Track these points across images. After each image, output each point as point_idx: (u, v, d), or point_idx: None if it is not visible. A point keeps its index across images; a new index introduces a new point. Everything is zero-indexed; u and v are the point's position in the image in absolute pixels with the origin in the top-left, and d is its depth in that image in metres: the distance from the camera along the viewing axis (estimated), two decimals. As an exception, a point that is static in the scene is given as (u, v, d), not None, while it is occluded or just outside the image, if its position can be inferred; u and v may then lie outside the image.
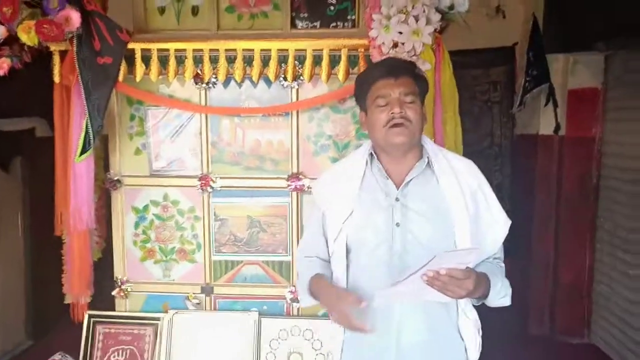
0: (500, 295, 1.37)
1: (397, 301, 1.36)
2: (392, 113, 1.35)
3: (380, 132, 1.38)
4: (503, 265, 1.46)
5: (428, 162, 1.42)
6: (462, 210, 1.37)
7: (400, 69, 1.39)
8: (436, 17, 1.72)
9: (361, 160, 1.47)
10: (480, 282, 1.28)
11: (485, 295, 1.35)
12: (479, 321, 1.44)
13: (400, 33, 1.69)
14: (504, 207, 1.46)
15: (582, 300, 3.32)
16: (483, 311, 1.44)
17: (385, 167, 1.43)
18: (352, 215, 1.42)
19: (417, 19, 1.69)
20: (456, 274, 1.20)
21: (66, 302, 2.17)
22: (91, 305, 2.18)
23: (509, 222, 1.45)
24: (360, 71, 1.91)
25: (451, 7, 1.78)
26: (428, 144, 1.46)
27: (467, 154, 1.70)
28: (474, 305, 1.44)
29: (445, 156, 1.45)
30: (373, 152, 1.45)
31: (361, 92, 1.44)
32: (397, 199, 1.38)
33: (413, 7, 1.68)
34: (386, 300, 1.34)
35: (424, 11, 1.69)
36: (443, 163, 1.42)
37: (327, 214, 1.49)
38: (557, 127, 3.26)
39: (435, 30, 1.75)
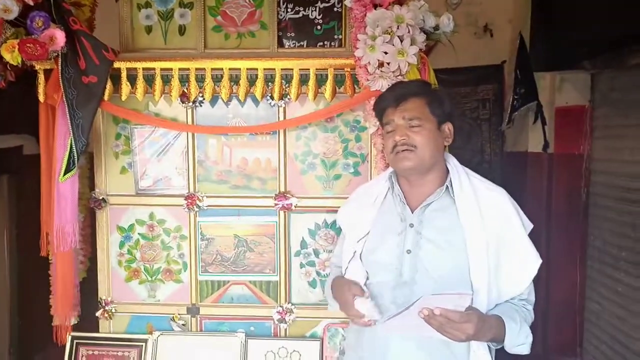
0: (518, 342, 1.26)
1: (402, 332, 1.31)
2: (394, 140, 1.35)
3: (389, 158, 1.39)
4: (530, 308, 1.35)
5: (449, 190, 1.36)
6: (480, 245, 1.29)
7: (406, 94, 1.36)
8: (421, 37, 1.73)
9: (384, 182, 1.45)
10: (487, 326, 1.20)
11: (501, 340, 1.25)
12: None
13: (386, 53, 1.70)
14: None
15: (574, 318, 3.30)
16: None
17: (405, 191, 1.40)
18: (367, 236, 1.40)
19: (401, 39, 1.69)
20: (452, 317, 1.13)
21: (54, 324, 2.12)
22: (77, 327, 2.13)
23: (538, 261, 1.34)
24: (347, 90, 1.93)
25: (436, 28, 1.80)
26: (455, 168, 1.40)
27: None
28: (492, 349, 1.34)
29: (473, 184, 1.36)
30: (393, 175, 1.44)
31: (377, 116, 1.47)
32: (411, 225, 1.34)
33: (398, 28, 1.69)
34: (390, 331, 1.30)
35: (408, 31, 1.70)
36: (467, 191, 1.34)
37: (346, 233, 1.50)
38: (546, 145, 3.28)
39: (420, 50, 1.75)
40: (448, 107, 1.40)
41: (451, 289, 1.23)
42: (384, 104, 1.41)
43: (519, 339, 1.26)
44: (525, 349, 1.28)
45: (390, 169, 1.47)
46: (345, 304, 1.34)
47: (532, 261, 1.34)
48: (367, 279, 1.40)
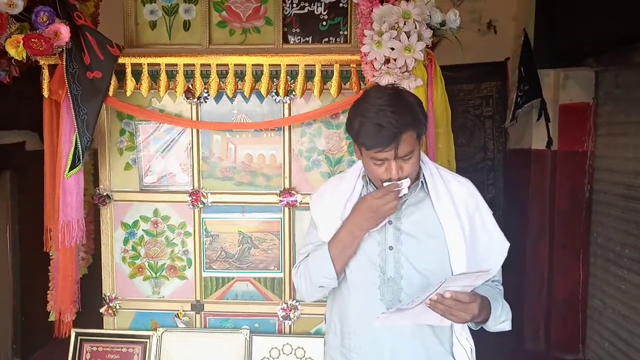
0: (501, 319, 1.32)
1: (396, 323, 1.31)
2: (389, 177, 1.28)
3: (376, 182, 1.34)
4: (502, 288, 1.42)
5: (423, 185, 1.38)
6: (457, 234, 1.33)
7: (397, 134, 1.22)
8: (428, 33, 1.73)
9: (356, 179, 1.42)
10: (483, 306, 1.25)
11: (485, 320, 1.30)
12: (474, 349, 1.39)
13: (392, 49, 1.69)
14: (497, 221, 1.42)
15: (577, 315, 3.30)
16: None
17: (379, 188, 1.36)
18: None
19: (408, 35, 1.69)
20: (462, 298, 1.17)
21: (50, 319, 2.12)
22: (81, 323, 2.13)
23: (507, 245, 1.40)
24: (353, 87, 1.91)
25: (443, 24, 1.79)
26: (426, 163, 1.41)
27: (460, 168, 1.67)
28: (472, 330, 1.38)
29: (443, 177, 1.40)
30: (367, 175, 1.40)
31: (352, 137, 1.33)
32: (389, 222, 1.35)
33: (404, 24, 1.68)
34: (386, 323, 1.29)
35: (415, 27, 1.69)
36: (439, 185, 1.37)
37: (318, 228, 1.46)
38: (550, 142, 3.27)
39: (427, 46, 1.75)
40: (424, 121, 1.33)
41: (437, 280, 1.23)
42: (372, 145, 1.25)
43: (501, 317, 1.32)
44: (507, 326, 1.33)
45: (362, 166, 1.41)
46: (382, 202, 1.26)
47: (502, 244, 1.40)
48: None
